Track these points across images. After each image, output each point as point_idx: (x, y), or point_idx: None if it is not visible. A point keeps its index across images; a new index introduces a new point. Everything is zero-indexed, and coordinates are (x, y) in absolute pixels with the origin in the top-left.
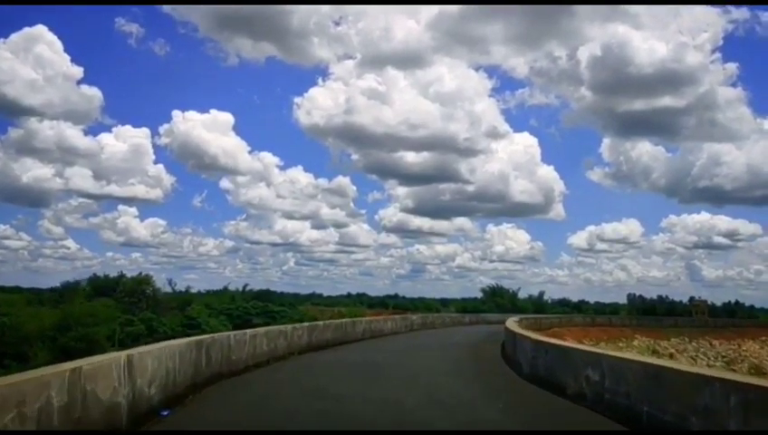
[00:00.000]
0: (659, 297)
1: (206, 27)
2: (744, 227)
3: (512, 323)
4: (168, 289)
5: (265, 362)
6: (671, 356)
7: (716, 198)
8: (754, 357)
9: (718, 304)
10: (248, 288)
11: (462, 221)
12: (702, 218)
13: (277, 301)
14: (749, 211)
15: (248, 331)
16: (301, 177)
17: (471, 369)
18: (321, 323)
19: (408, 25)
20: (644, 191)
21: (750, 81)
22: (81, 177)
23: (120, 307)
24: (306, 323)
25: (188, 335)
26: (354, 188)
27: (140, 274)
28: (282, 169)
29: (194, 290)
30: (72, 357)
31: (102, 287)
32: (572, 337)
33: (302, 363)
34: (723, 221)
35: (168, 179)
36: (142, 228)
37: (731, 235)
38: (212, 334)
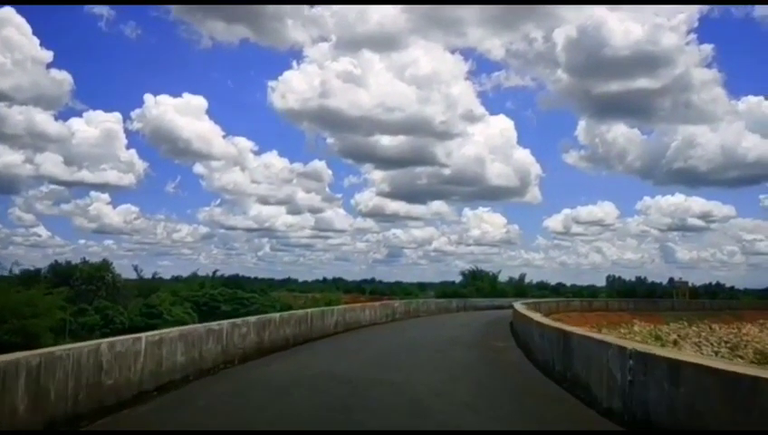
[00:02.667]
0: (638, 279)
1: (179, 9)
2: (718, 208)
3: (534, 313)
4: (135, 276)
5: (180, 380)
6: (675, 343)
7: (691, 179)
8: (756, 341)
9: (697, 285)
10: (219, 274)
11: (438, 205)
12: (676, 200)
13: (248, 287)
14: (723, 193)
15: (146, 334)
16: (276, 161)
17: (505, 394)
18: (276, 315)
19: (383, 8)
20: (619, 173)
21: (725, 62)
22: (51, 163)
23: (71, 295)
24: (253, 318)
25: (148, 326)
26: (330, 172)
27: (103, 260)
28: (256, 153)
29: (165, 277)
30: (5, 352)
31: (64, 275)
32: (572, 323)
33: (235, 385)
34: (697, 203)
35: (140, 165)
36: (115, 215)
37: (705, 216)
38: (54, 347)
